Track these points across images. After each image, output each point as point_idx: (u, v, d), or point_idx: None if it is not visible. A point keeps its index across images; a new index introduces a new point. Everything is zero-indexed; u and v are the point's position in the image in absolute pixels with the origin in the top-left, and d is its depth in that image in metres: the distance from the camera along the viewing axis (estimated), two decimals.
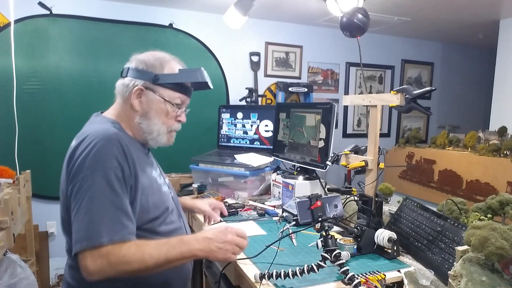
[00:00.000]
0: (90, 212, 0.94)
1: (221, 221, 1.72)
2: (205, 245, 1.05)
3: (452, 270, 1.04)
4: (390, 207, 1.72)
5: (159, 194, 1.15)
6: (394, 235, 1.34)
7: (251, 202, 2.06)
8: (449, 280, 1.03)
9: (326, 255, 1.13)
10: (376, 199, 1.45)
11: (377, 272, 1.14)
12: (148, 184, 1.10)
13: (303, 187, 1.94)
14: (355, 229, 1.42)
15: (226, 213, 1.68)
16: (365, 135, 1.81)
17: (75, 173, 0.98)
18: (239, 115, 2.85)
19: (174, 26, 3.20)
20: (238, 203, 2.01)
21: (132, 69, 1.14)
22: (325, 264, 1.13)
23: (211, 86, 1.24)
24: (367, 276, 1.12)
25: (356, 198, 1.68)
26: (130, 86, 1.12)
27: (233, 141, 2.88)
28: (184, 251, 1.02)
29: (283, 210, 1.82)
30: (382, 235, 1.35)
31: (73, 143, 1.06)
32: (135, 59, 1.16)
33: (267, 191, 2.35)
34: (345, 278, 1.09)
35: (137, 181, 1.05)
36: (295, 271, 1.13)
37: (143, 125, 1.14)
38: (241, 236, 1.11)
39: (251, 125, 2.80)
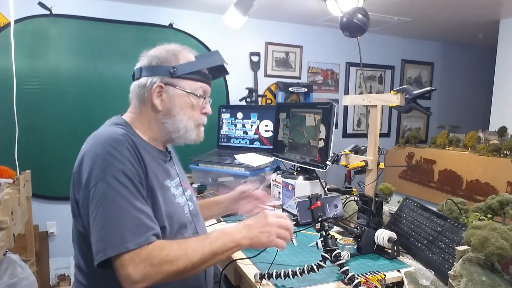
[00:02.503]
0: (110, 219, 0.89)
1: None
2: (247, 232, 0.99)
3: (452, 270, 1.04)
4: (390, 207, 1.72)
5: (171, 206, 1.05)
6: (394, 235, 1.34)
7: None
8: (449, 280, 1.03)
9: (326, 255, 1.13)
10: (376, 199, 1.45)
11: (377, 272, 1.14)
12: (160, 191, 1.02)
13: (303, 187, 1.94)
14: (355, 229, 1.42)
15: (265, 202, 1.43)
16: (365, 135, 1.81)
17: (87, 180, 0.92)
18: (239, 115, 2.85)
19: (174, 26, 3.20)
20: None
21: (146, 67, 1.06)
22: (325, 264, 1.13)
23: (228, 72, 1.19)
24: (367, 276, 1.12)
25: (356, 198, 1.68)
26: (148, 85, 1.04)
27: (233, 141, 2.88)
28: (227, 242, 0.96)
29: (283, 210, 1.82)
30: (382, 235, 1.35)
31: (83, 146, 0.99)
32: (146, 56, 1.08)
33: (267, 191, 2.35)
34: (345, 278, 1.10)
35: (148, 184, 0.99)
36: (295, 271, 1.13)
37: (168, 124, 1.07)
38: (282, 217, 1.06)
39: (251, 125, 2.79)
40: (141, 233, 0.89)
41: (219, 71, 1.17)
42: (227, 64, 1.15)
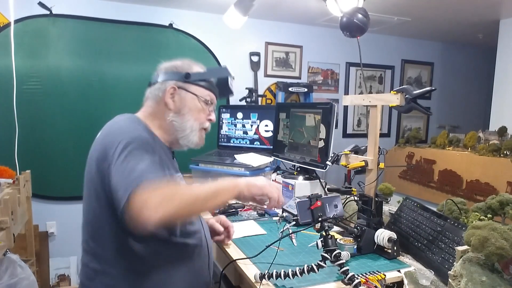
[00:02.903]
0: (131, 167, 0.96)
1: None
2: (243, 179, 1.08)
3: (452, 270, 1.04)
4: (390, 207, 1.72)
5: None
6: (394, 235, 1.34)
7: (251, 202, 2.05)
8: (449, 280, 1.03)
9: (326, 255, 1.13)
10: (376, 199, 1.45)
11: (377, 272, 1.14)
12: (171, 176, 1.14)
13: (303, 187, 1.94)
14: (355, 229, 1.42)
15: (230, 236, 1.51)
16: (365, 135, 1.80)
17: (110, 147, 1.00)
18: (239, 115, 2.85)
19: (174, 26, 3.20)
20: (238, 203, 2.00)
21: (163, 73, 1.20)
22: (325, 264, 1.13)
23: (233, 93, 1.29)
24: (367, 276, 1.12)
25: (356, 198, 1.68)
26: (163, 87, 1.18)
27: (233, 141, 2.88)
28: (226, 182, 1.05)
29: (283, 210, 1.82)
30: (382, 235, 1.35)
31: (99, 134, 1.11)
32: (163, 67, 1.23)
33: None
34: (345, 278, 1.10)
35: (163, 166, 1.07)
36: (295, 271, 1.13)
37: (176, 122, 1.18)
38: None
39: (251, 125, 2.80)
40: (158, 173, 0.98)
41: (225, 90, 1.28)
42: (233, 79, 1.27)
